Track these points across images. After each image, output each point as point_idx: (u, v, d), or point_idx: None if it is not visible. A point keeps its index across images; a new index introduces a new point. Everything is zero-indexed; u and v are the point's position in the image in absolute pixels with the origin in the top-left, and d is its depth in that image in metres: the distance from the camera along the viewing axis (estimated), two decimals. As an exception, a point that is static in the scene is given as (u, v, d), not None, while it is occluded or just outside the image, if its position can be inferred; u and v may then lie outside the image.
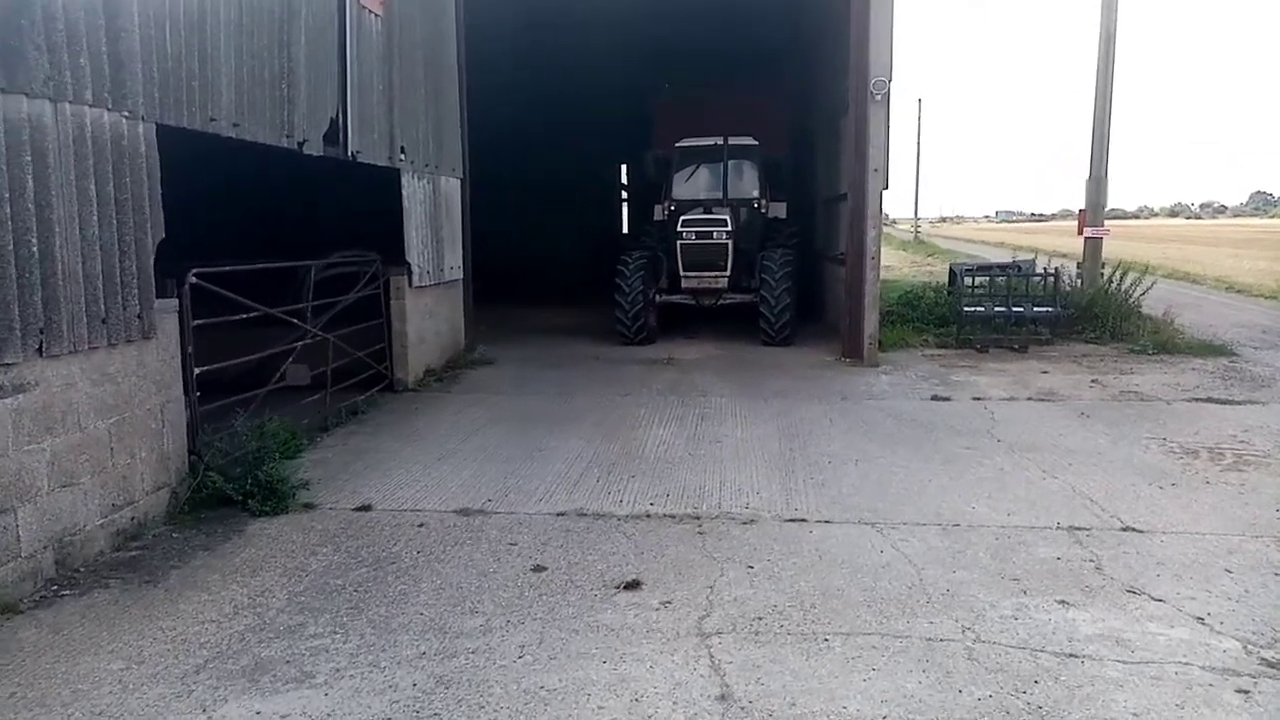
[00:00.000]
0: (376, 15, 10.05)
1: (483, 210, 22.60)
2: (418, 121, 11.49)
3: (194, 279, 6.79)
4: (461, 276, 13.27)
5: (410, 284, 11.26)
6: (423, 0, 11.66)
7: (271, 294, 10.02)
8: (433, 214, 11.98)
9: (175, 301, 6.53)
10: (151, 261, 6.14)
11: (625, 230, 26.78)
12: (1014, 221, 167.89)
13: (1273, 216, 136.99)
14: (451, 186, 12.81)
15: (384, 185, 11.15)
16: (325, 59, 8.88)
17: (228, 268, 7.37)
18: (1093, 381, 11.46)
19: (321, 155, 8.88)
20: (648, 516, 6.47)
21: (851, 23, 12.74)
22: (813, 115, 18.66)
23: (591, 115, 23.61)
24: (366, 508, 6.69)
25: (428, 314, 11.94)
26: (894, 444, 8.50)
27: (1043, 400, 10.41)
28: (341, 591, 5.18)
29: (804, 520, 6.37)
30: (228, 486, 6.54)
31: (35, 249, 5.07)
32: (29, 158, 5.02)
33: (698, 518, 6.44)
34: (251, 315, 7.92)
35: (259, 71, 7.60)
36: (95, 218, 5.57)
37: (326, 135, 8.96)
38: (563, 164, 24.56)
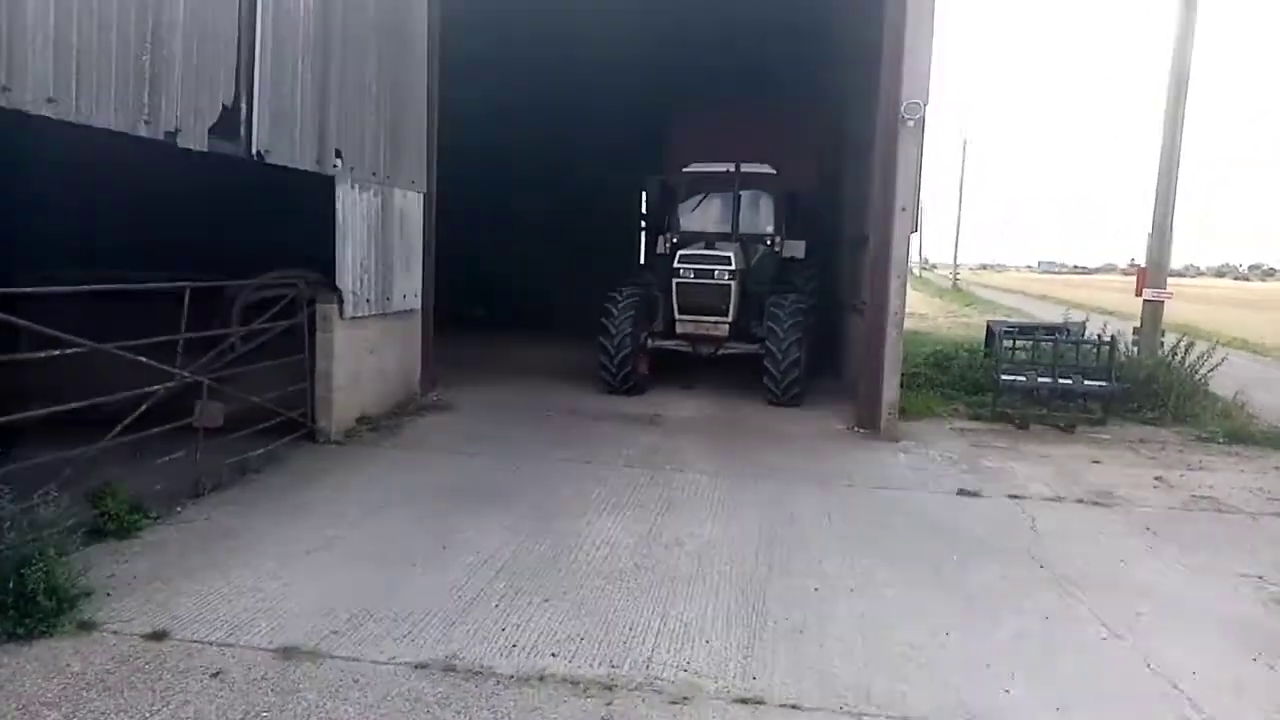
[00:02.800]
0: (308, -8, 8.36)
1: (475, 235, 21.14)
2: (364, 123, 9.75)
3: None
4: (419, 307, 11.48)
5: (342, 314, 9.49)
6: (381, -16, 9.97)
7: (189, 317, 8.42)
8: (380, 233, 10.21)
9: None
10: None
11: (642, 261, 25.05)
12: (1056, 273, 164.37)
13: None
14: (410, 202, 11.05)
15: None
16: (218, 32, 7.16)
17: (30, 289, 5.63)
18: (1156, 479, 9.40)
19: (206, 151, 7.14)
20: (540, 679, 4.56)
21: (884, 38, 10.89)
22: (843, 145, 16.80)
23: (608, 136, 21.92)
24: (161, 635, 4.84)
25: (367, 350, 10.15)
26: (905, 564, 6.53)
27: (1097, 504, 8.38)
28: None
29: (760, 703, 4.43)
30: (-42, 599, 4.74)
31: None
32: None
33: (610, 687, 4.51)
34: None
35: (103, 35, 5.88)
36: None
37: (217, 127, 7.22)
38: (573, 187, 22.85)
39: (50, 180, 12.05)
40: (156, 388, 7.01)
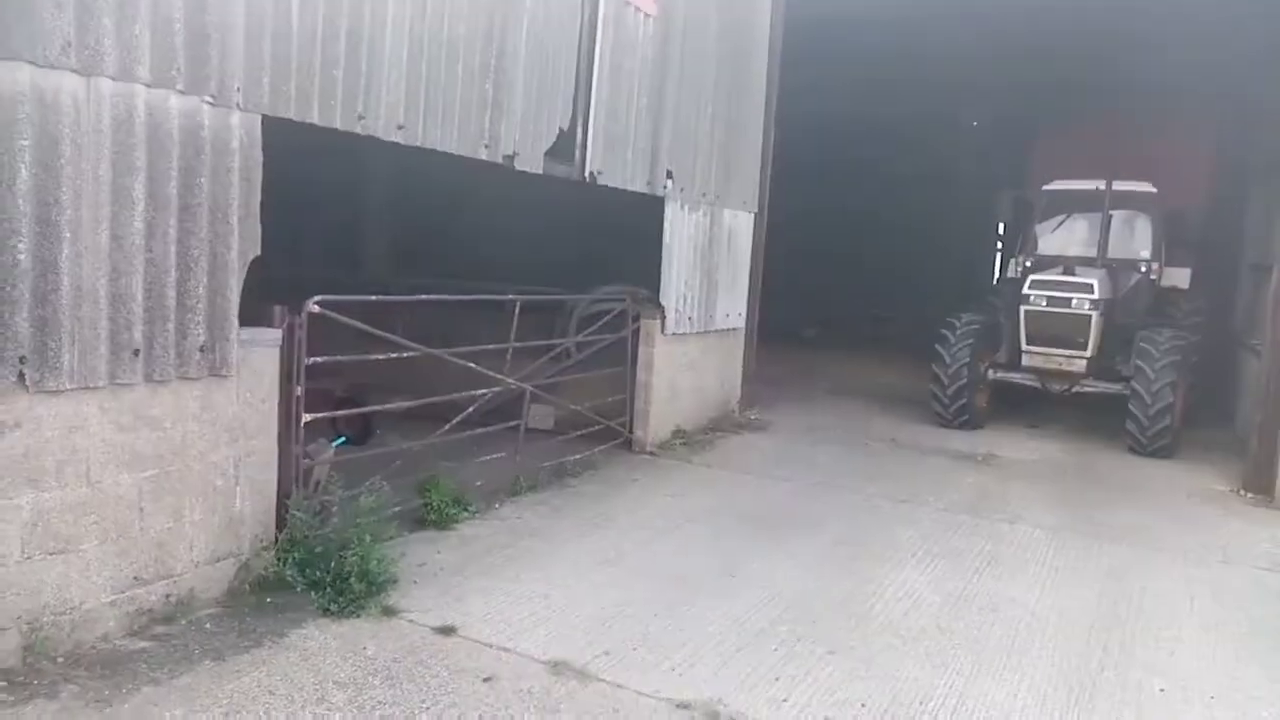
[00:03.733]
0: (646, 15, 8.54)
1: (810, 254, 20.74)
2: (696, 144, 9.81)
3: (315, 307, 5.61)
4: (742, 326, 11.38)
5: (663, 330, 9.61)
6: (723, 3, 9.97)
7: (535, 326, 9.17)
8: (706, 252, 10.23)
9: (276, 334, 5.37)
10: (235, 282, 5.01)
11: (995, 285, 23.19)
12: None
13: None
14: (740, 222, 10.99)
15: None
16: (557, 58, 7.48)
17: (375, 297, 6.21)
18: None
19: (541, 174, 7.49)
20: (807, 745, 4.14)
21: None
22: (1249, 156, 14.32)
23: (962, 150, 20.68)
24: (449, 630, 5.04)
25: (687, 366, 10.21)
26: (1292, 673, 5.24)
27: None
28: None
29: (1070, 825, 3.67)
30: (288, 571, 5.25)
31: (22, 256, 4.04)
32: (26, 141, 3.99)
33: (884, 770, 3.98)
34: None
35: (449, 65, 6.33)
36: (139, 224, 4.49)
37: (553, 150, 7.56)
38: (920, 204, 21.72)
39: (420, 203, 13.58)
40: (484, 391, 7.47)
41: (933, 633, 5.47)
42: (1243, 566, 7.12)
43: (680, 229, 9.69)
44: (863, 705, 4.52)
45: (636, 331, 9.59)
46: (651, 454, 9.56)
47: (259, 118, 5.00)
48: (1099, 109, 15.16)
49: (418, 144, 6.15)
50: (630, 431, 9.63)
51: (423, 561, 6.01)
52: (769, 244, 11.92)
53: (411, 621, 5.13)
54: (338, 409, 8.01)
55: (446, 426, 7.09)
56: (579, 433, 9.11)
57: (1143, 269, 12.52)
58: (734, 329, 11.22)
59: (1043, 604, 6.04)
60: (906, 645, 5.26)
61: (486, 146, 6.82)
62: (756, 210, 11.36)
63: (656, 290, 9.59)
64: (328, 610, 5.08)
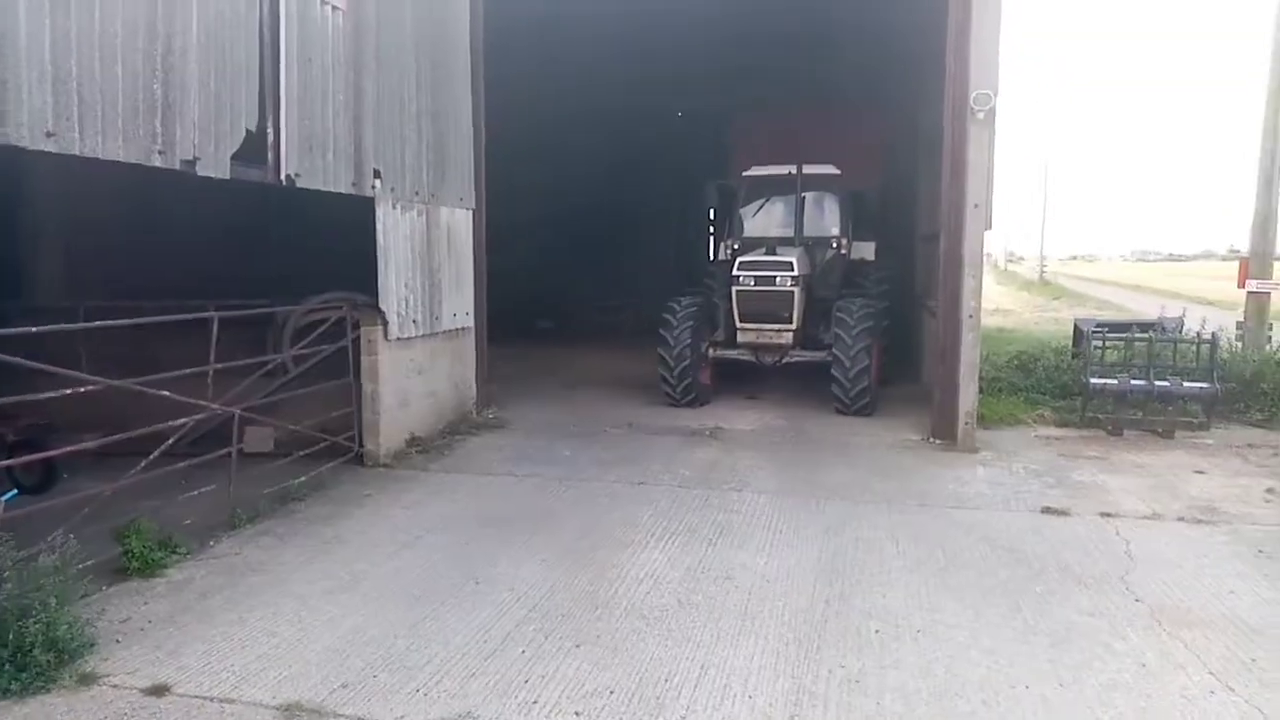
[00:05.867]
0: (336, 9, 8.11)
1: (541, 248, 20.96)
2: (404, 142, 9.49)
3: (-42, 346, 4.85)
4: (471, 325, 11.20)
5: (386, 336, 9.24)
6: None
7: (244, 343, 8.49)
8: (425, 253, 9.95)
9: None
10: None
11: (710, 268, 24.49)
12: (1151, 262, 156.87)
13: None
14: (458, 219, 10.78)
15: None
16: (236, 54, 6.92)
17: (32, 329, 5.45)
18: (1268, 492, 8.49)
19: (230, 178, 6.92)
20: (558, 744, 4.12)
21: (949, 26, 10.20)
22: (916, 142, 16.03)
23: (676, 143, 21.58)
24: (162, 689, 4.55)
25: (415, 371, 9.90)
26: (980, 597, 5.90)
27: (1200, 522, 7.57)
28: None
29: (805, 774, 3.91)
30: (-51, 653, 4.53)
31: None
32: None
33: (634, 754, 4.05)
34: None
35: (106, 64, 5.67)
36: None
37: (242, 153, 7.00)
38: (640, 195, 22.50)
39: (109, 216, 12.21)
40: (183, 421, 6.81)
41: (674, 609, 5.65)
42: (936, 507, 7.96)
43: (395, 230, 9.34)
44: (611, 693, 4.58)
45: (358, 340, 9.17)
46: (386, 466, 9.19)
47: None
48: (789, 101, 16.39)
49: (75, 152, 5.46)
50: (360, 445, 9.20)
51: (126, 617, 5.40)
52: (498, 239, 11.84)
53: (115, 686, 4.58)
54: (11, 456, 7.06)
55: (143, 463, 6.40)
56: (304, 452, 8.57)
57: (834, 245, 13.64)
58: (464, 328, 11.02)
59: (771, 566, 6.42)
60: (650, 626, 5.39)
61: (161, 152, 6.18)
62: (475, 207, 11.19)
63: (377, 296, 9.21)
64: (8, 691, 4.42)
